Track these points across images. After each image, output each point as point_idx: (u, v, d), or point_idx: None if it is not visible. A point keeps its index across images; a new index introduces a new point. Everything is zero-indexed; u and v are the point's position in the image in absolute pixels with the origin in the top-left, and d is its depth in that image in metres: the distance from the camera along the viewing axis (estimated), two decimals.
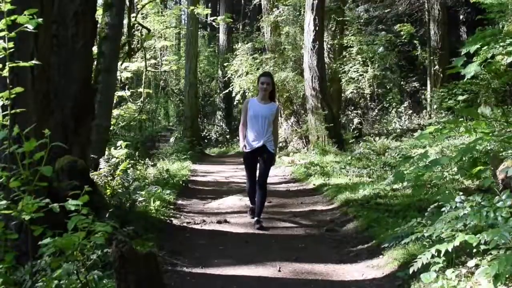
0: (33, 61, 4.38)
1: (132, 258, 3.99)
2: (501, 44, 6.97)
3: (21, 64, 4.20)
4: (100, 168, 9.26)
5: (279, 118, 9.84)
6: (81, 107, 7.27)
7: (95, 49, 10.23)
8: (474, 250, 4.87)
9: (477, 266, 4.76)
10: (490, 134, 7.67)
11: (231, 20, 24.66)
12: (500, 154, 7.92)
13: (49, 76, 6.02)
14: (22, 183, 4.04)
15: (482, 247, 4.71)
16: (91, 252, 4.41)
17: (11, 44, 4.17)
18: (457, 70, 7.47)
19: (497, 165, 6.93)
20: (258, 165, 9.02)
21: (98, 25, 10.24)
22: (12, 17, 4.02)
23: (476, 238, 4.63)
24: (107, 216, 6.42)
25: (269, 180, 15.67)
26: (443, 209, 5.88)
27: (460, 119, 8.08)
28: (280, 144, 22.48)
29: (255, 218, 8.88)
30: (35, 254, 4.29)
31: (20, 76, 5.02)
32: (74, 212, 4.11)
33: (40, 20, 3.95)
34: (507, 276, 4.34)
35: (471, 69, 6.98)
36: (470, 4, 17.86)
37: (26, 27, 3.88)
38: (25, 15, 3.85)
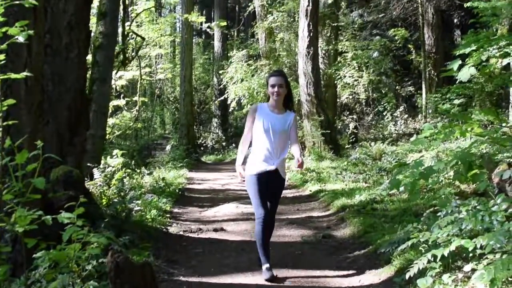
0: (25, 73, 4.36)
1: (128, 268, 3.98)
2: (494, 47, 6.99)
3: (13, 76, 4.19)
4: (95, 178, 9.25)
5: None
6: (76, 117, 7.27)
7: (89, 58, 10.24)
8: (470, 255, 4.88)
9: (473, 270, 4.76)
10: (486, 137, 7.69)
11: (225, 25, 24.69)
12: (495, 157, 7.93)
13: (42, 87, 6.02)
14: (15, 195, 4.03)
15: (478, 251, 4.72)
16: (87, 262, 4.40)
17: (2, 56, 4.16)
18: (451, 73, 7.49)
19: (492, 169, 6.94)
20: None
21: (92, 34, 10.26)
22: (3, 29, 4.02)
23: (472, 242, 4.63)
24: (102, 226, 6.43)
25: None
26: (439, 213, 5.90)
27: (455, 123, 8.09)
28: None
29: (266, 265, 6.42)
30: (30, 266, 4.28)
31: (13, 87, 5.03)
32: (68, 223, 4.10)
33: (31, 31, 3.94)
34: (503, 280, 4.34)
35: (465, 73, 6.99)
36: (463, 8, 17.92)
37: (17, 39, 3.87)
38: (16, 27, 3.84)
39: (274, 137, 6.51)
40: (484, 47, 7.20)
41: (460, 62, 6.94)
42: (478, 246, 4.60)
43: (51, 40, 7.03)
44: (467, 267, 4.91)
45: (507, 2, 7.99)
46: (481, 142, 7.66)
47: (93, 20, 11.91)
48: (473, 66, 7.15)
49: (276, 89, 6.55)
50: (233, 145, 29.79)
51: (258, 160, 6.54)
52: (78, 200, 4.29)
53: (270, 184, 6.52)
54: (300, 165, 6.54)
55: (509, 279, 4.52)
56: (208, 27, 22.25)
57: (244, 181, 6.69)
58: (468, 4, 8.69)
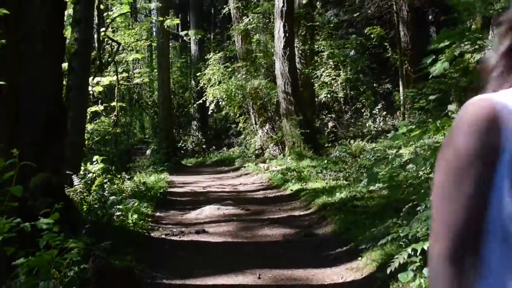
0: (0, 82, 4.35)
1: (109, 273, 3.99)
2: (466, 42, 7.07)
3: None
4: (74, 185, 9.21)
5: None
6: (53, 124, 7.23)
7: (65, 65, 10.20)
8: None
9: None
10: None
11: (202, 34, 24.69)
12: None
13: (17, 95, 5.99)
14: None
15: None
16: (68, 269, 4.38)
17: None
18: (425, 71, 7.57)
19: None
20: None
21: (67, 41, 10.22)
22: None
23: None
24: (83, 232, 6.41)
25: (246, 188, 15.68)
26: (418, 208, 5.95)
27: (429, 120, 8.18)
28: (257, 152, 22.49)
29: None
30: (10, 274, 4.27)
31: None
32: (47, 230, 4.09)
33: (3, 41, 3.93)
34: None
35: (438, 68, 7.07)
36: (437, 5, 18.06)
37: None
38: None
39: None
40: (456, 42, 7.29)
41: (433, 57, 7.02)
42: None
43: (25, 48, 6.99)
44: None
45: None
46: None
47: (68, 28, 11.86)
48: (446, 61, 7.24)
49: None
50: (213, 147, 29.78)
51: None
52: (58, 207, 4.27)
53: None
54: None
55: None
56: (186, 34, 22.21)
57: None
58: None
